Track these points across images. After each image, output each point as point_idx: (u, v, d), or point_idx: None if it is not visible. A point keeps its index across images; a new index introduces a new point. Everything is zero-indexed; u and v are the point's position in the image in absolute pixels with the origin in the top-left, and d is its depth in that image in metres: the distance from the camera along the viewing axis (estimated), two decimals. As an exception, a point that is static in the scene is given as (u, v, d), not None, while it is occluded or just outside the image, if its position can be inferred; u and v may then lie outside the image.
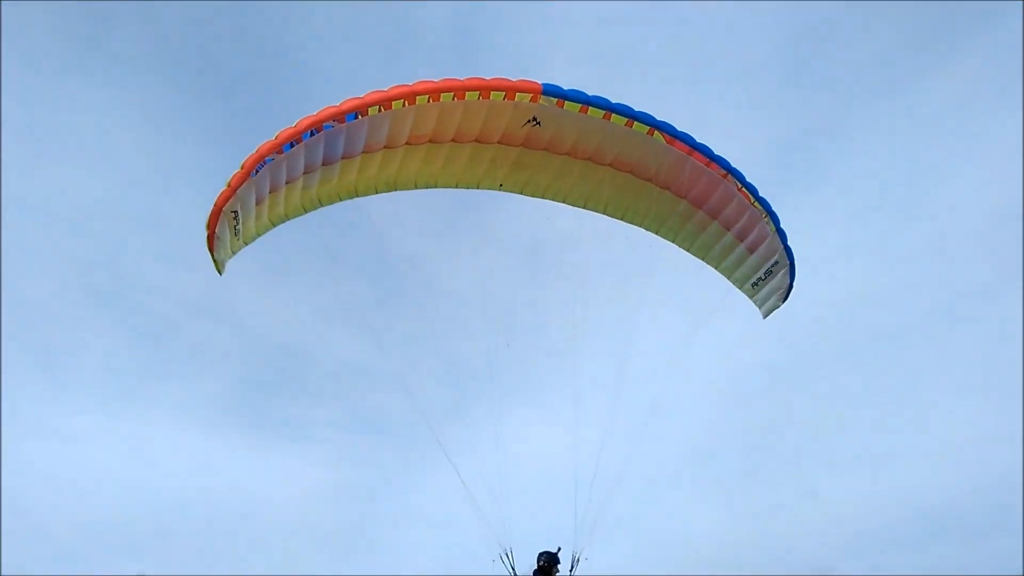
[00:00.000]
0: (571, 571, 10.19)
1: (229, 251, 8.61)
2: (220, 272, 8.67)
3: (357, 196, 9.50)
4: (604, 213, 10.57)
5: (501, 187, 10.15)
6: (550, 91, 8.98)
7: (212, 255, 8.43)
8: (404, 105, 8.59)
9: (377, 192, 9.61)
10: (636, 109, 9.43)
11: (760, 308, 10.82)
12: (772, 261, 10.37)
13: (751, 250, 10.33)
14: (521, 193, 10.29)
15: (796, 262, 10.42)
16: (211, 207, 8.15)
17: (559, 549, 9.93)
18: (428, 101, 8.65)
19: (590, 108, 9.20)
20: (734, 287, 10.68)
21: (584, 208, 10.49)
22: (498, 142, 9.52)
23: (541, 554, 9.98)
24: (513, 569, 10.02)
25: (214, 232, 8.23)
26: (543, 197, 10.39)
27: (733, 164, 9.89)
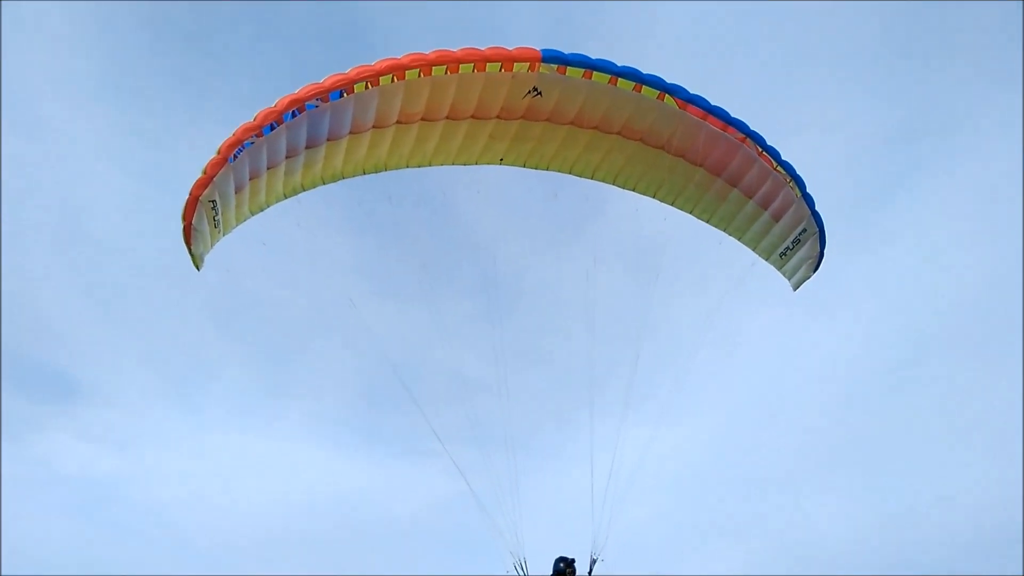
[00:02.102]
0: (589, 572, 10.03)
1: (209, 244, 7.87)
2: (198, 267, 7.92)
3: (343, 179, 8.83)
4: (615, 184, 9.77)
5: (501, 162, 9.43)
6: (550, 57, 8.24)
7: (189, 248, 7.69)
8: (393, 80, 7.90)
9: (364, 174, 8.94)
10: (644, 72, 8.71)
11: (789, 280, 10.00)
12: (800, 229, 9.59)
13: (776, 218, 9.53)
14: (524, 166, 9.55)
15: (826, 229, 9.65)
16: (186, 196, 7.43)
17: (574, 560, 9.78)
18: (419, 76, 7.95)
19: (594, 73, 8.46)
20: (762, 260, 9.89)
21: (593, 179, 9.70)
22: (497, 117, 8.79)
23: (559, 560, 9.84)
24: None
25: (191, 224, 7.47)
26: (548, 169, 9.62)
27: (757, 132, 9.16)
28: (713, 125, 9.00)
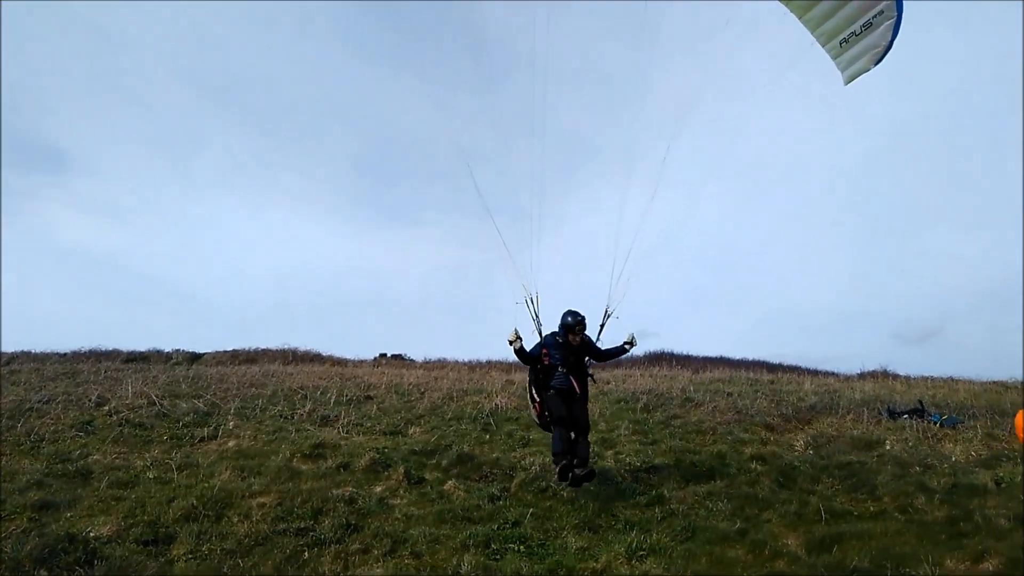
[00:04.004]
0: (601, 327, 10.32)
1: None
2: None
3: None
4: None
5: None
6: None
7: None
8: None
9: None
10: None
11: (843, 71, 8.87)
12: (874, 12, 8.28)
13: (848, -3, 8.19)
14: None
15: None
16: None
17: (584, 317, 9.94)
18: None
19: None
20: (817, 44, 8.64)
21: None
22: None
23: (567, 314, 9.96)
24: (536, 314, 10.30)
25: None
26: None
27: None
28: None
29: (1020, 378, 21.78)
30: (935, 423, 13.25)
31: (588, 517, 8.96)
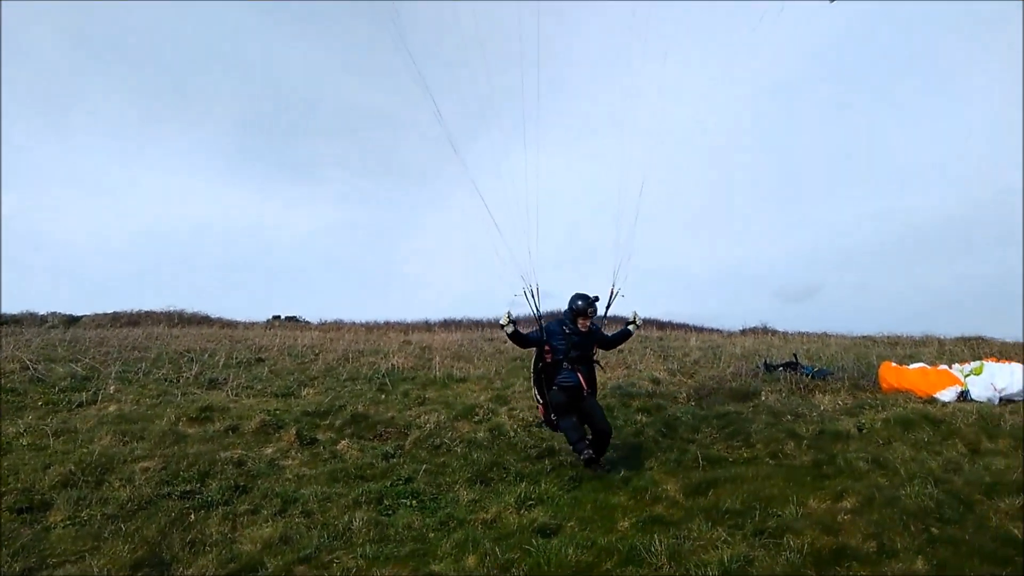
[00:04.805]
0: (608, 306, 9.62)
1: None
2: None
3: None
4: None
5: None
6: None
7: None
8: None
9: None
10: None
11: None
12: None
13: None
14: None
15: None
16: None
17: (597, 297, 9.28)
18: None
19: None
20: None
21: None
22: None
23: (577, 297, 9.29)
24: (537, 308, 9.48)
25: None
26: None
27: None
28: None
29: (886, 333, 23.55)
30: (807, 375, 14.16)
31: (480, 471, 9.16)
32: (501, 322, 9.23)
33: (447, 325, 30.19)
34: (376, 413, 11.91)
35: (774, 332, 25.79)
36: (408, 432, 10.93)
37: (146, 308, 29.16)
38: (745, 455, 9.49)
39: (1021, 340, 21.44)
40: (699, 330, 28.30)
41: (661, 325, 29.82)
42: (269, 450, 10.00)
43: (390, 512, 7.89)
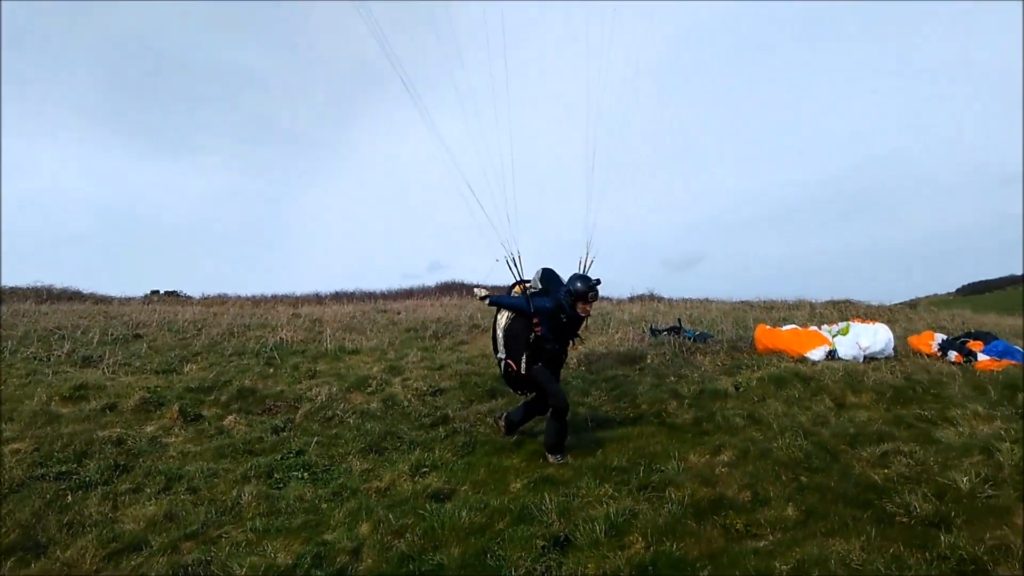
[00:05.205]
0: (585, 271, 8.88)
1: None
2: None
3: None
4: None
5: None
6: None
7: None
8: None
9: None
10: None
11: None
12: None
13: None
14: None
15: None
16: None
17: (599, 280, 8.47)
18: None
19: None
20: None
21: None
22: None
23: (578, 278, 8.50)
24: (520, 276, 8.86)
25: None
26: None
27: None
28: None
29: (763, 298, 25.01)
30: (690, 339, 14.88)
31: (374, 441, 9.20)
32: (479, 294, 8.82)
33: (339, 297, 29.69)
34: (264, 387, 11.68)
35: (660, 299, 26.85)
36: (299, 405, 10.80)
37: (9, 284, 27.10)
38: (631, 415, 9.92)
39: (884, 303, 23.31)
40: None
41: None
42: (150, 428, 9.66)
43: (281, 485, 7.85)
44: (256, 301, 26.66)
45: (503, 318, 8.72)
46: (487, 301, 8.66)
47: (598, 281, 8.47)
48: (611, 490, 6.86)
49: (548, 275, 8.83)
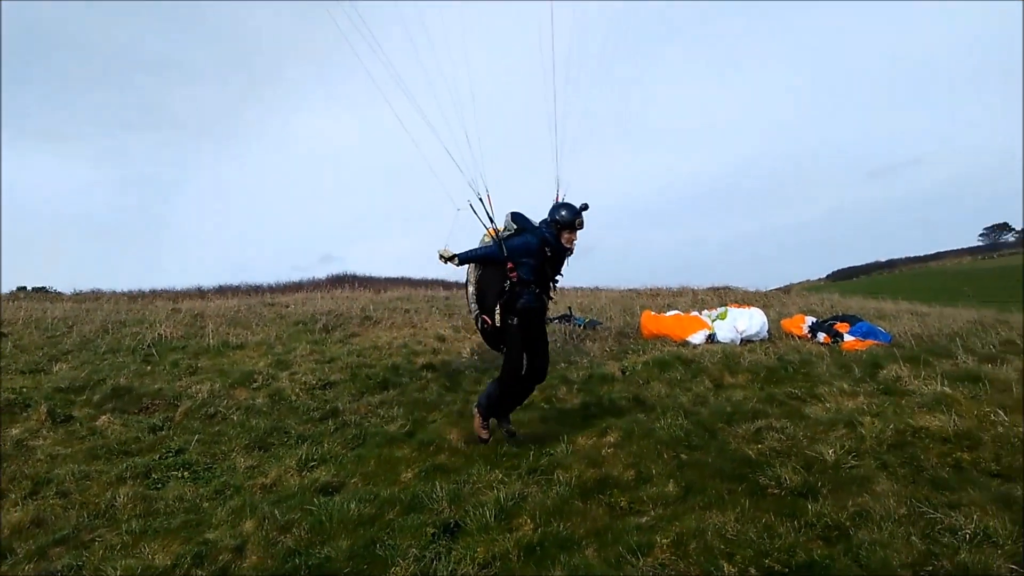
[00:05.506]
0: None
1: None
2: None
3: None
4: None
5: None
6: None
7: None
8: None
9: None
10: None
11: None
12: None
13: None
14: None
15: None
16: None
17: (585, 205, 7.75)
18: None
19: None
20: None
21: None
22: None
23: (563, 206, 7.81)
24: (490, 215, 7.96)
25: None
26: None
27: None
28: None
29: (649, 286, 25.85)
30: (579, 326, 15.23)
31: (259, 437, 8.94)
32: (442, 254, 7.58)
33: (223, 291, 28.54)
34: (141, 385, 11.12)
35: (551, 289, 27.28)
36: (178, 403, 10.34)
37: None
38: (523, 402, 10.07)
39: (761, 288, 24.54)
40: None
41: (448, 286, 30.35)
42: (16, 431, 9.03)
43: (159, 485, 7.52)
44: (133, 296, 25.33)
45: (473, 271, 8.12)
46: (456, 262, 7.67)
47: (585, 206, 7.79)
48: (502, 475, 6.93)
49: (518, 217, 7.97)
